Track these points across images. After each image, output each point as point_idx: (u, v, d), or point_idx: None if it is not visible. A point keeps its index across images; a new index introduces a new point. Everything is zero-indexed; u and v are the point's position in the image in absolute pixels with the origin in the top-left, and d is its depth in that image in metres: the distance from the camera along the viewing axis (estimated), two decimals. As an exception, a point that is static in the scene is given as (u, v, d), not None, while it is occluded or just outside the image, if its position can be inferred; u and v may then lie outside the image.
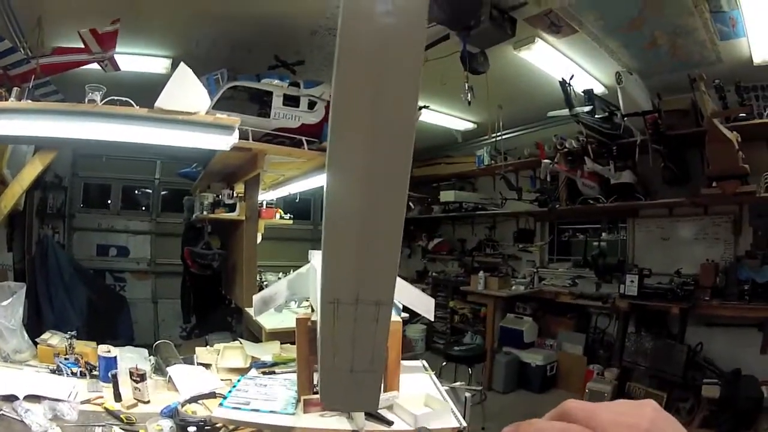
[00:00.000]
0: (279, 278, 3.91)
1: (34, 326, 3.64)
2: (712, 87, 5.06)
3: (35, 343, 3.26)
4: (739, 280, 5.47)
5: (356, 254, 1.10)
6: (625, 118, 5.83)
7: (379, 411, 2.36)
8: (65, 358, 3.04)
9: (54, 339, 3.27)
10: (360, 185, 1.02)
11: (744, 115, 5.28)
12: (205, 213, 5.29)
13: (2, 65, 4.11)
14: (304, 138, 4.71)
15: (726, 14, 4.39)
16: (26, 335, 3.26)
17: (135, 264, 8.53)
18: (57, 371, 3.00)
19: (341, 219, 1.08)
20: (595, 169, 6.28)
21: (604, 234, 7.44)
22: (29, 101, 3.60)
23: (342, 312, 1.18)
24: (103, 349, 3.06)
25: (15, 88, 3.67)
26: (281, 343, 3.57)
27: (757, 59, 4.90)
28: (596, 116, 5.85)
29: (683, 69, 5.17)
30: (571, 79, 5.39)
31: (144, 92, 3.57)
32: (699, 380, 5.26)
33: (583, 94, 5.73)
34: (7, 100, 3.47)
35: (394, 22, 0.83)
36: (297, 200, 6.70)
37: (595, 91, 5.87)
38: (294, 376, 2.70)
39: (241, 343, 3.62)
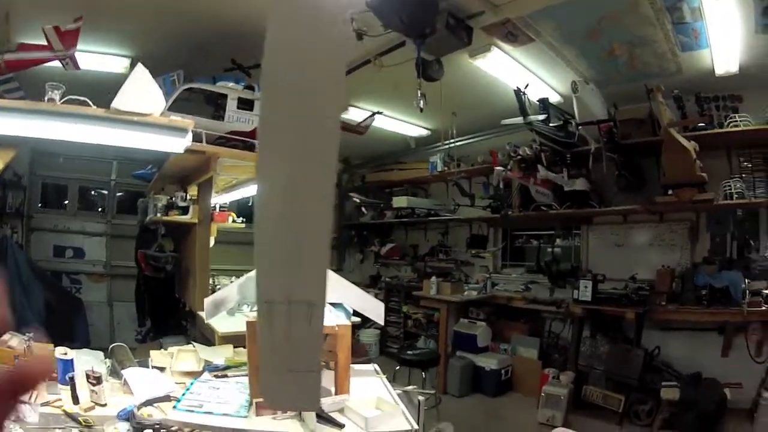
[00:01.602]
0: (231, 282, 3.91)
1: (-9, 328, 3.56)
2: (670, 97, 5.19)
3: (-7, 346, 3.20)
4: (696, 285, 5.56)
5: (285, 256, 1.13)
6: (580, 127, 5.90)
7: (330, 414, 2.39)
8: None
9: (14, 341, 3.22)
10: (286, 190, 1.05)
11: (704, 124, 5.42)
12: (158, 215, 5.23)
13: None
14: (256, 141, 4.68)
15: (689, 26, 4.47)
16: (-15, 338, 3.21)
17: (91, 266, 8.38)
18: (15, 374, 2.96)
19: (269, 221, 1.11)
20: (549, 176, 6.36)
21: (557, 240, 7.54)
22: (-6, 98, 3.57)
23: (277, 312, 1.21)
24: (61, 352, 3.02)
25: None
26: (234, 347, 3.56)
27: (720, 70, 5.03)
28: (551, 125, 5.91)
29: (641, 79, 5.28)
30: (526, 87, 5.43)
31: (103, 91, 3.57)
32: (657, 383, 5.34)
33: (538, 102, 5.79)
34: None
35: (316, 41, 0.86)
36: (249, 204, 6.64)
37: (551, 100, 5.93)
38: (246, 380, 2.71)
39: (194, 346, 3.61)
